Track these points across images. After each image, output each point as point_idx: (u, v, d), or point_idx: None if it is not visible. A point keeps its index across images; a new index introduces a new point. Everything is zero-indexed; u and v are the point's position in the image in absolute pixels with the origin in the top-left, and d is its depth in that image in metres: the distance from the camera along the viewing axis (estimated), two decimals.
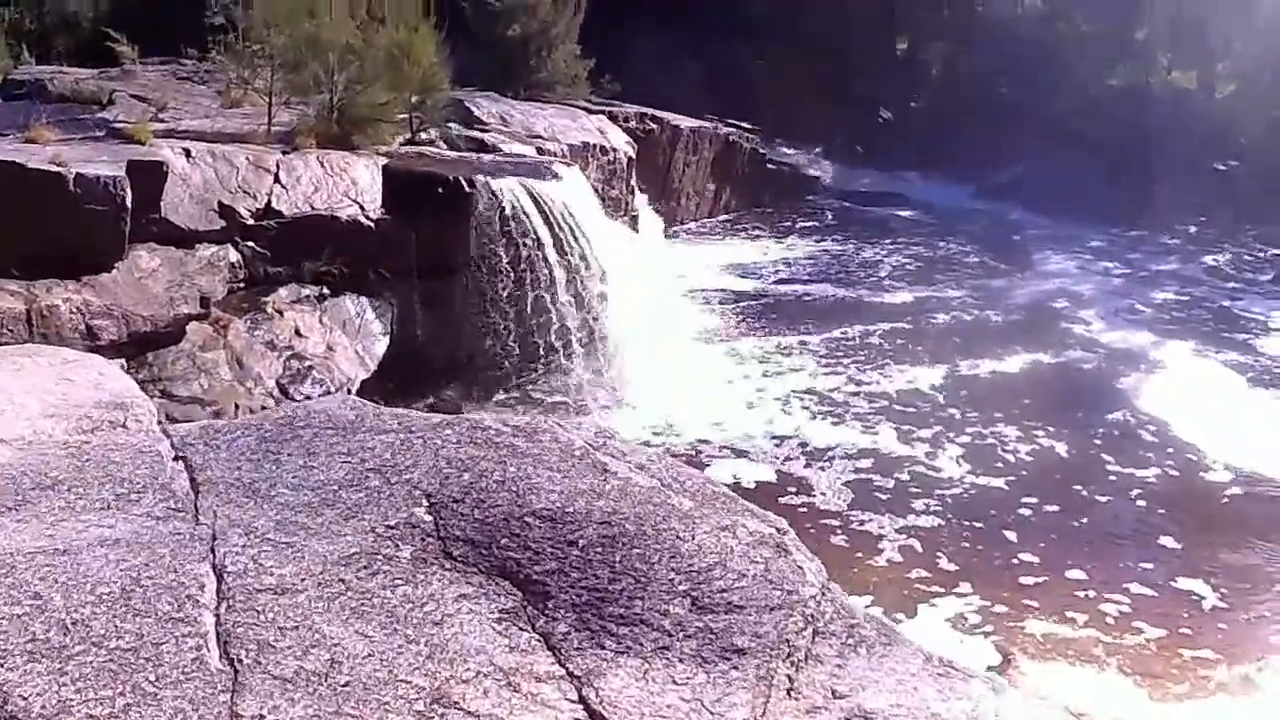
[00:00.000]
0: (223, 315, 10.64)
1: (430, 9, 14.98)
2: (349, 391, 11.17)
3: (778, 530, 4.29)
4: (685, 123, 25.29)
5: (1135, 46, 33.01)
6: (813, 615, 3.81)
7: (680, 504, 4.27)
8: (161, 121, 13.55)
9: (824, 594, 3.95)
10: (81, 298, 9.24)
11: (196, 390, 9.73)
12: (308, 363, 10.95)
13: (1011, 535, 11.35)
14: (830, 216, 27.95)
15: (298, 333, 11.17)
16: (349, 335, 11.77)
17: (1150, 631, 9.56)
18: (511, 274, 13.60)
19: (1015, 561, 10.78)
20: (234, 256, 11.29)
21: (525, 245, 13.56)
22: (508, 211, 13.32)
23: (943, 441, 13.63)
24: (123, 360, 9.43)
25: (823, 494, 12.08)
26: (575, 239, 14.16)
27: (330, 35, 13.10)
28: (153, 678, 3.14)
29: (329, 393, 10.83)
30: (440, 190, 13.06)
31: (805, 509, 11.62)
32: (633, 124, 22.69)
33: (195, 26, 15.14)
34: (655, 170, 23.28)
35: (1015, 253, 24.76)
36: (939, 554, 10.82)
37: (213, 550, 3.77)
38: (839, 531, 11.20)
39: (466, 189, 13.09)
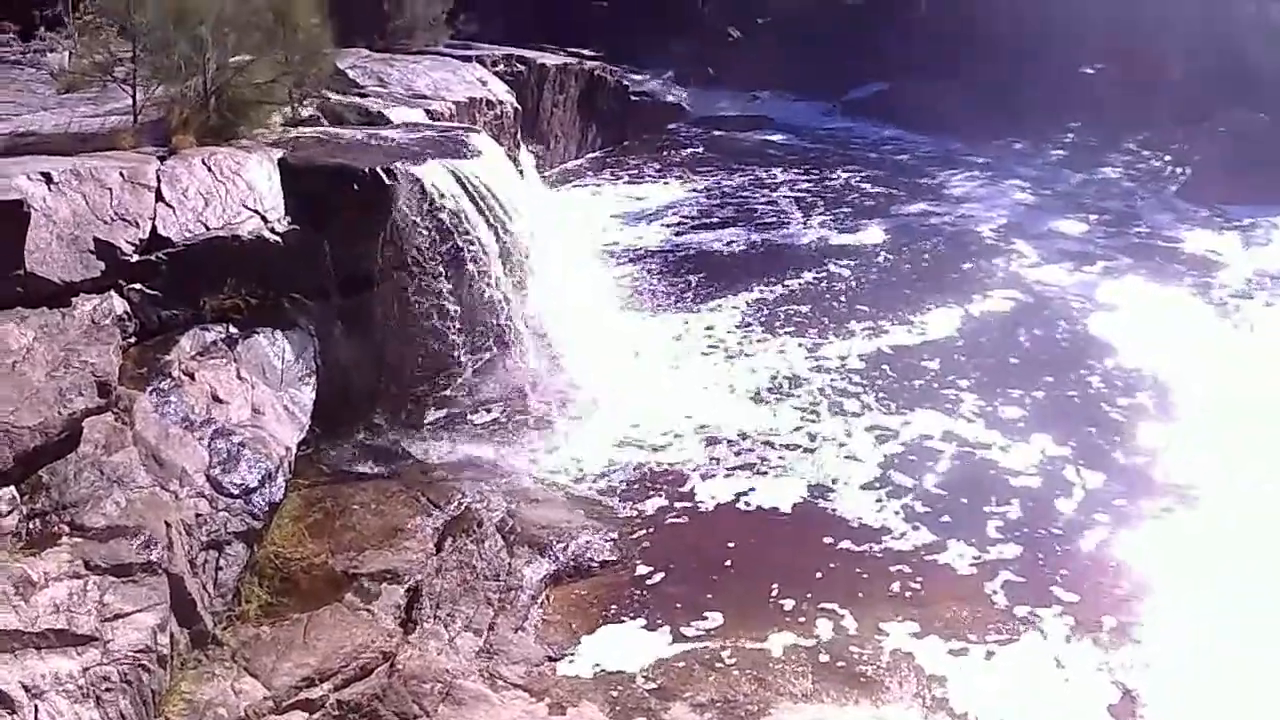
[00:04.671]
0: (123, 393, 7.86)
1: None
2: (288, 467, 8.61)
3: None
4: (551, 60, 22.77)
5: None
6: None
7: None
8: None
9: None
10: None
11: (113, 514, 7.02)
12: (237, 438, 8.30)
13: (1094, 546, 9.79)
14: (702, 148, 25.68)
15: (215, 398, 8.49)
16: (273, 386, 9.13)
17: None
18: (440, 272, 11.12)
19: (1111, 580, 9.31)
20: (120, 307, 8.47)
21: (454, 236, 11.11)
22: (436, 201, 10.86)
23: (960, 422, 11.95)
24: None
25: (858, 516, 10.19)
26: (506, 219, 11.76)
27: (199, 4, 10.15)
28: None
29: (269, 475, 8.25)
30: (355, 186, 10.36)
31: (858, 544, 9.74)
32: (501, 68, 20.16)
33: (17, 4, 12.01)
34: (526, 113, 20.64)
35: (910, 176, 23.01)
36: (1012, 572, 9.32)
37: None
38: (909, 568, 9.35)
39: (386, 181, 10.48)
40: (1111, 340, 14.15)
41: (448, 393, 11.58)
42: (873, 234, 18.47)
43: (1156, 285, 16.52)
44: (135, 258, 8.70)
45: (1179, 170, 23.39)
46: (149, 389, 8.16)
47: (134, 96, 10.55)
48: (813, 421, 11.82)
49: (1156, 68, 25.50)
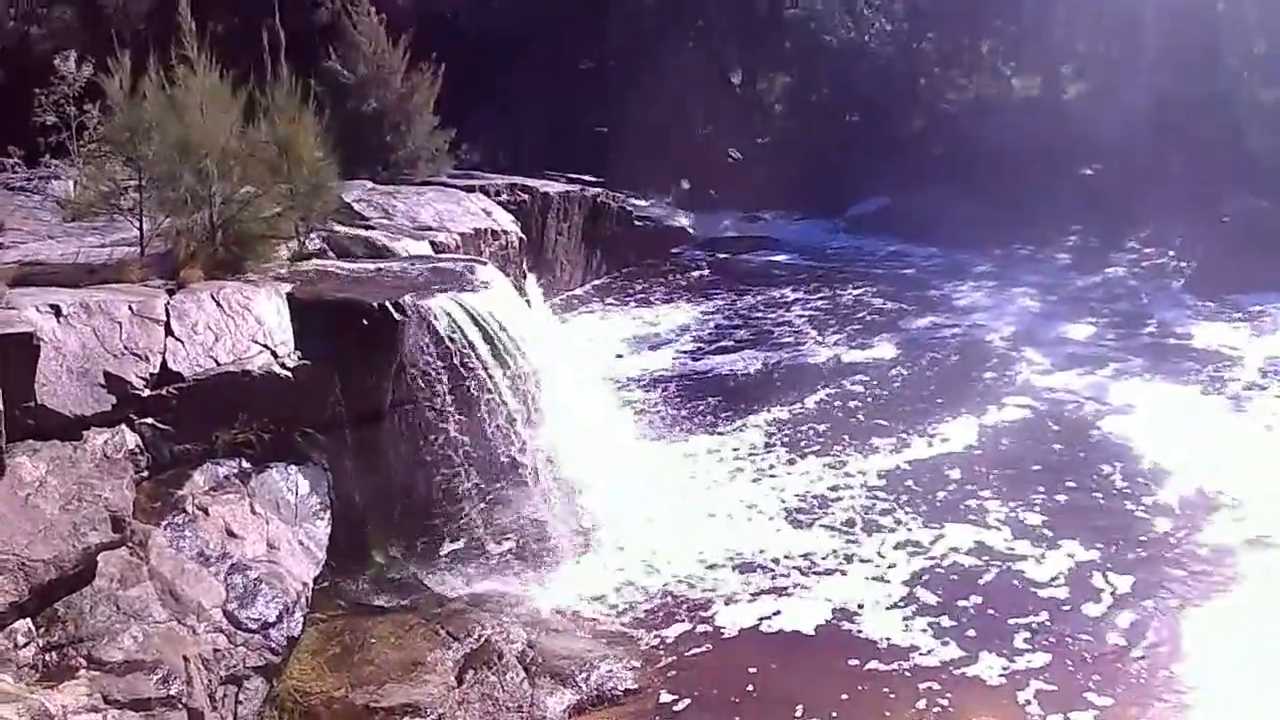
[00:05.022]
0: (137, 528, 7.97)
1: (308, 95, 12.34)
2: (305, 601, 8.68)
3: None
4: (554, 188, 23.22)
5: (979, 60, 31.91)
6: None
7: None
8: (1, 247, 10.83)
9: None
10: None
11: (131, 648, 7.08)
12: (253, 573, 8.38)
13: (1125, 649, 9.75)
14: (708, 270, 26.03)
15: (230, 533, 8.59)
16: (287, 521, 9.23)
17: None
18: (450, 404, 11.26)
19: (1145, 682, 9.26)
20: (132, 441, 8.63)
21: (465, 369, 11.28)
22: (444, 335, 11.05)
23: (985, 532, 11.96)
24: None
25: (885, 636, 10.09)
26: (516, 351, 11.90)
27: (203, 137, 10.45)
28: None
29: (286, 610, 8.31)
30: (365, 320, 10.56)
31: (885, 663, 9.65)
32: (504, 197, 20.55)
33: (20, 125, 12.37)
34: (530, 241, 21.01)
35: (917, 289, 23.30)
36: (1043, 680, 9.24)
37: None
38: (938, 684, 9.24)
39: (396, 316, 10.67)
40: (1129, 441, 14.25)
41: (462, 524, 11.60)
42: (885, 349, 18.68)
43: (1170, 383, 16.74)
44: (146, 392, 8.88)
45: (1184, 264, 23.80)
46: (163, 524, 8.27)
47: (140, 228, 10.82)
48: (839, 541, 11.78)
49: (1155, 162, 25.94)
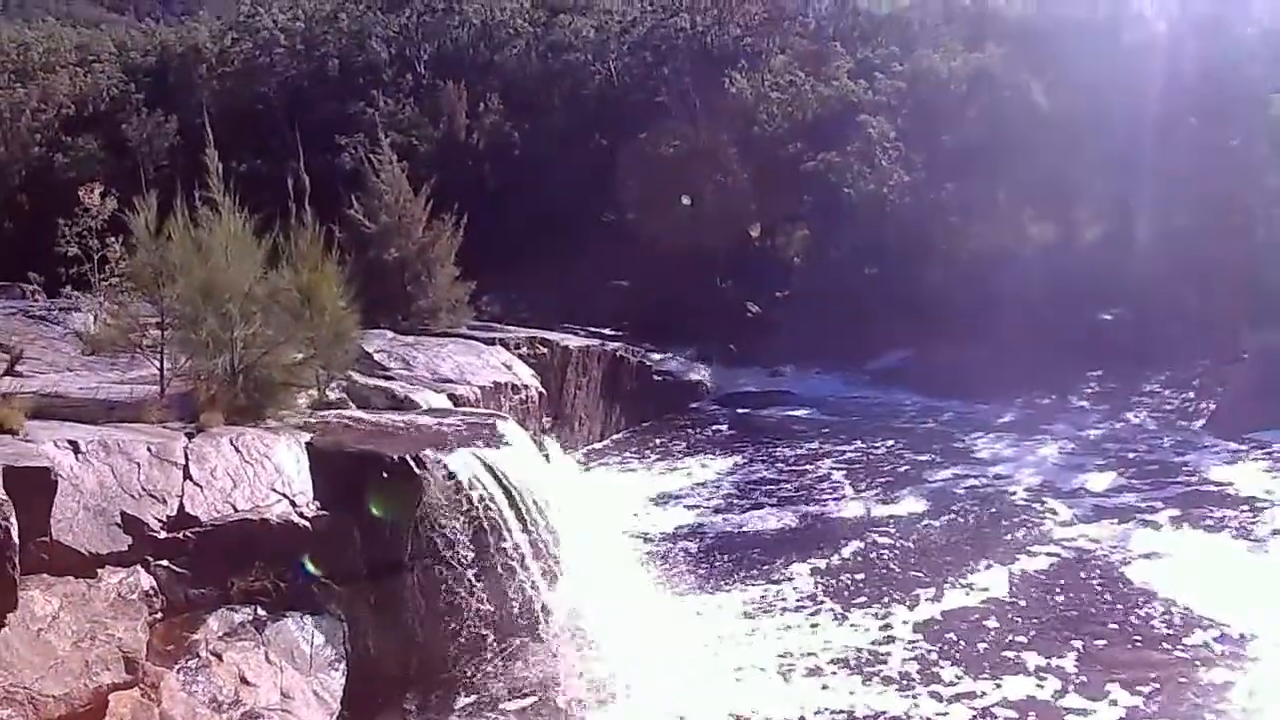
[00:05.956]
0: (150, 670, 7.94)
1: (332, 246, 12.59)
2: None
3: None
4: (574, 342, 23.55)
5: (997, 208, 32.12)
6: None
7: None
8: (18, 375, 11.03)
9: None
10: None
11: None
12: None
13: None
14: (727, 426, 26.09)
15: (244, 680, 8.57)
16: (302, 670, 9.19)
17: None
18: (469, 559, 11.34)
19: None
20: (147, 582, 8.66)
21: (484, 524, 11.42)
22: (465, 490, 11.23)
23: (1022, 680, 11.75)
24: None
25: None
26: (535, 506, 12.00)
27: (227, 281, 10.65)
28: None
29: None
30: (385, 473, 10.66)
31: None
32: (524, 350, 20.79)
33: (42, 251, 12.63)
34: (550, 395, 21.22)
35: (940, 441, 23.27)
36: None
37: None
38: None
39: (416, 469, 10.81)
40: (1162, 588, 14.06)
41: (479, 678, 11.55)
42: (912, 503, 18.57)
43: (1196, 529, 16.58)
44: (163, 534, 8.95)
45: (1205, 404, 23.91)
46: (176, 667, 8.27)
47: (160, 368, 10.96)
48: (875, 696, 11.52)
49: (1172, 303, 26.07)
